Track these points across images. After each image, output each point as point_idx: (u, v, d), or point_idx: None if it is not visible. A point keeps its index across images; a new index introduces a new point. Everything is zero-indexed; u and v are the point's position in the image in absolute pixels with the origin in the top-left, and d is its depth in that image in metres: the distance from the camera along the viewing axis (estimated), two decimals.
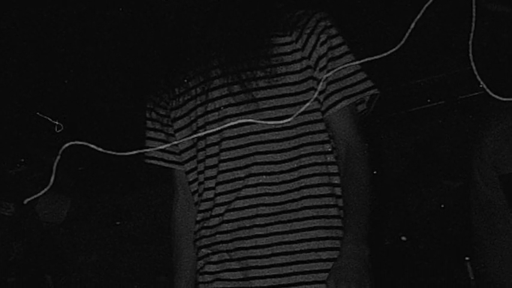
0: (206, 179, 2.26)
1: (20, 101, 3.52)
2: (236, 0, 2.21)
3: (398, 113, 5.47)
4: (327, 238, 2.17)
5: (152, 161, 2.46)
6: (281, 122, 2.11)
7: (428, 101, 5.25)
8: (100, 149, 1.42)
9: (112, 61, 2.51)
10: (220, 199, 2.22)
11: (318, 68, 2.23)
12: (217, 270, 2.23)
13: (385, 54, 1.42)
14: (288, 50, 2.24)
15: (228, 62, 2.22)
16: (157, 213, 5.89)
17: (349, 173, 2.21)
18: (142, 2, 2.30)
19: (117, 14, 2.40)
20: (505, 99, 1.42)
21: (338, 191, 2.22)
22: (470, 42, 1.42)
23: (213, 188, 2.24)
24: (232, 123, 2.04)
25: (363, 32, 3.65)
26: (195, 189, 2.33)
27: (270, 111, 2.19)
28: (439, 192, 5.61)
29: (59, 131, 1.69)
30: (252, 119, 2.13)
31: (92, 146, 1.42)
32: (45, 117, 1.81)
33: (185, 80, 2.29)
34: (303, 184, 2.18)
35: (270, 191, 2.17)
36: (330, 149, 2.24)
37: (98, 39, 3.16)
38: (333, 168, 2.23)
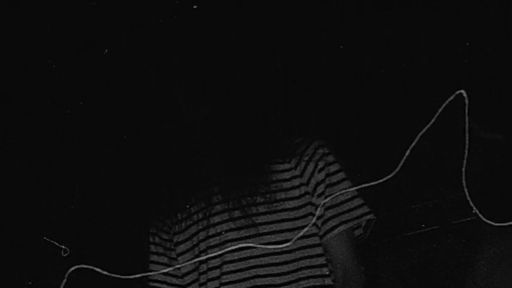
0: None
1: (27, 225, 3.55)
2: (236, 128, 2.29)
3: (394, 237, 5.48)
4: None
5: (156, 284, 2.48)
6: (280, 246, 2.16)
7: (423, 226, 5.28)
8: (105, 273, 1.45)
9: (116, 187, 2.57)
10: None
11: (316, 194, 2.29)
12: None
13: (380, 180, 1.46)
14: (287, 177, 2.30)
15: (229, 188, 2.28)
16: None
17: None
18: (145, 129, 2.37)
19: (120, 142, 2.47)
20: (497, 224, 1.46)
21: None
22: (463, 169, 1.47)
23: None
24: (233, 248, 2.09)
25: (359, 158, 3.72)
26: None
27: (269, 236, 2.24)
28: None
29: (65, 255, 1.73)
30: (252, 243, 2.19)
31: (98, 269, 1.45)
32: (52, 241, 1.85)
33: (187, 206, 2.34)
34: None
35: None
36: (327, 273, 2.28)
37: (102, 165, 3.22)
38: None
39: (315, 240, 2.29)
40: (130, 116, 2.52)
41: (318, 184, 2.30)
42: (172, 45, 2.34)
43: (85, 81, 3.44)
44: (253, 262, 2.24)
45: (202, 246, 2.31)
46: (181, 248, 2.38)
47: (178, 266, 2.37)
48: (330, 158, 2.33)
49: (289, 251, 2.24)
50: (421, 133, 1.42)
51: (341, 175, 2.32)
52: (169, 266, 2.43)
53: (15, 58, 3.42)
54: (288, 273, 2.23)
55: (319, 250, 2.28)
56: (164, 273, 2.44)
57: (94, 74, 3.40)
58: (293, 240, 1.86)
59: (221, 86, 2.31)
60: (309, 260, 2.26)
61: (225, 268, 2.25)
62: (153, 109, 2.33)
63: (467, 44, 3.63)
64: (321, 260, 2.28)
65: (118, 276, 1.47)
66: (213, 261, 2.29)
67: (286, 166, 2.32)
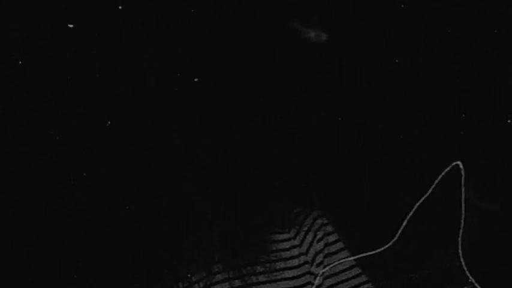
0: None
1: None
2: (237, 198, 2.33)
3: None
4: None
5: None
6: None
7: None
8: None
9: (117, 255, 2.58)
10: None
11: (315, 264, 2.32)
12: None
13: (378, 250, 1.49)
14: (287, 246, 2.34)
15: (230, 257, 2.31)
16: None
17: None
18: (146, 197, 2.40)
19: (121, 208, 2.49)
20: None
21: None
22: (459, 238, 1.50)
23: None
24: None
25: (357, 228, 3.74)
26: None
27: None
28: None
29: None
30: None
31: None
32: None
33: (188, 275, 2.37)
34: None
35: None
36: None
37: (103, 231, 3.23)
38: None
39: None
40: (129, 186, 2.55)
41: (317, 254, 2.33)
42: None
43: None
44: None
45: None
46: None
47: None
48: (329, 228, 2.36)
49: None
50: (418, 203, 1.46)
51: (339, 245, 2.35)
52: None
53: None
54: None
55: None
56: None
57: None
58: None
59: (220, 158, 2.36)
60: None
61: None
62: (154, 181, 2.37)
63: (464, 115, 3.68)
64: None
65: None
66: None
67: (286, 236, 2.35)
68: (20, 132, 3.43)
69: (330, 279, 2.33)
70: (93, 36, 3.28)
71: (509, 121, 3.47)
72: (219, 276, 2.33)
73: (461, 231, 1.48)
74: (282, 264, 2.31)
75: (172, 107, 2.41)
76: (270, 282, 2.29)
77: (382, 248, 1.49)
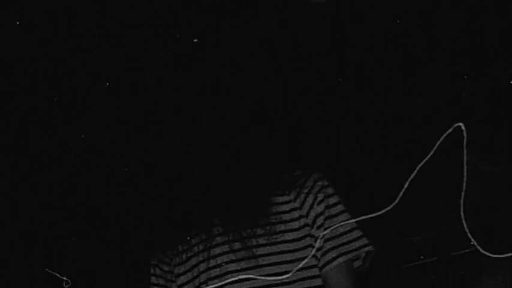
0: None
1: (29, 257, 3.56)
2: (237, 161, 2.31)
3: (392, 269, 5.48)
4: None
5: None
6: (280, 277, 2.17)
7: (422, 257, 5.28)
8: None
9: (117, 219, 2.58)
10: None
11: (315, 226, 2.31)
12: None
13: (379, 212, 1.48)
14: (287, 209, 2.32)
15: (229, 219, 2.30)
16: None
17: None
18: (146, 162, 2.39)
19: (121, 172, 2.49)
20: (495, 255, 1.48)
21: None
22: (461, 201, 1.49)
23: None
24: (233, 279, 2.11)
25: (358, 191, 3.74)
26: None
27: (269, 267, 2.26)
28: None
29: (67, 286, 1.74)
30: (252, 274, 2.20)
31: None
32: (53, 273, 1.87)
33: (188, 238, 2.36)
34: None
35: None
36: None
37: (103, 196, 3.23)
38: None
39: (315, 271, 2.30)
40: (130, 148, 2.54)
41: (317, 216, 2.31)
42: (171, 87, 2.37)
43: (86, 121, 3.46)
44: None
45: (203, 277, 2.33)
46: (182, 279, 2.40)
47: None
48: (329, 190, 2.35)
49: (289, 283, 2.25)
50: (419, 165, 1.45)
51: (340, 207, 2.34)
52: None
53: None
54: None
55: (318, 282, 2.30)
56: None
57: (94, 114, 3.42)
58: (293, 271, 1.87)
59: (220, 119, 2.34)
60: None
61: None
62: (153, 144, 2.35)
63: (466, 76, 3.66)
64: None
65: None
66: None
67: (286, 198, 2.34)
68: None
69: (330, 242, 2.32)
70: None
71: (511, 82, 3.45)
72: (218, 239, 2.33)
73: (463, 193, 1.46)
74: (282, 227, 2.30)
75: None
76: (270, 244, 2.28)
77: (384, 211, 1.47)
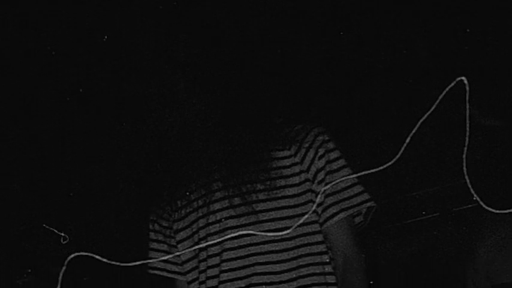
0: None
1: (27, 213, 3.58)
2: (236, 116, 2.28)
3: (394, 224, 5.49)
4: None
5: (155, 272, 2.49)
6: (280, 233, 2.15)
7: (423, 213, 5.29)
8: (105, 260, 1.45)
9: (116, 174, 2.57)
10: None
11: (316, 181, 2.29)
12: None
13: (381, 168, 1.46)
14: (287, 164, 2.30)
15: (229, 175, 2.28)
16: None
17: (346, 283, 2.25)
18: (146, 117, 2.37)
19: (120, 129, 2.47)
20: (497, 211, 1.46)
21: None
22: (464, 156, 1.47)
23: None
24: (232, 235, 2.09)
25: (359, 146, 3.73)
26: None
27: (269, 223, 2.24)
28: None
29: (65, 242, 1.73)
30: (252, 230, 2.19)
31: (97, 256, 1.46)
32: (51, 229, 1.86)
33: (187, 193, 2.34)
34: None
35: None
36: (327, 260, 2.28)
37: (102, 152, 3.22)
38: (331, 279, 2.27)
39: (315, 227, 2.29)
40: (130, 105, 2.52)
41: (318, 171, 2.29)
42: (174, 38, 2.33)
43: (84, 73, 3.45)
44: (253, 249, 2.24)
45: (202, 233, 2.31)
46: (181, 235, 2.38)
47: (178, 253, 2.37)
48: (330, 145, 2.32)
49: (289, 238, 2.24)
50: (421, 120, 1.42)
51: (341, 162, 2.32)
52: (169, 253, 2.44)
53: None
54: (288, 260, 2.23)
55: (319, 237, 2.28)
56: (164, 261, 2.45)
57: (94, 67, 3.40)
58: (293, 227, 1.85)
59: (221, 75, 2.30)
60: (309, 247, 2.26)
61: (225, 255, 2.25)
62: (154, 99, 2.33)
63: (468, 30, 3.63)
64: (321, 248, 2.28)
65: (117, 263, 1.47)
66: (212, 248, 2.29)
67: (286, 153, 2.32)
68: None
69: (331, 197, 2.30)
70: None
71: None
72: (218, 194, 2.31)
73: (465, 148, 1.44)
74: (282, 182, 2.28)
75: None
76: (270, 200, 2.27)
77: (385, 166, 1.45)
